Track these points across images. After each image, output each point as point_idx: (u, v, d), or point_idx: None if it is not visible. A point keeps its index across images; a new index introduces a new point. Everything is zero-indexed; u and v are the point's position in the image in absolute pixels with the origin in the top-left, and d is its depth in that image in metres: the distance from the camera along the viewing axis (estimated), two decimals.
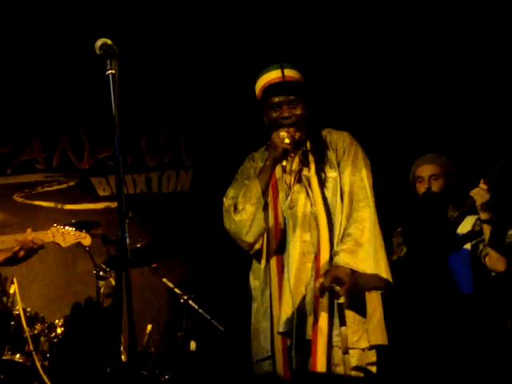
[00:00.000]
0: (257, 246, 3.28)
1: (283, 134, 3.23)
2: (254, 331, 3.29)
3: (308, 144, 3.37)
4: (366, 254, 3.12)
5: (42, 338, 3.94)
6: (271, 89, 3.32)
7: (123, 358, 3.62)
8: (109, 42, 2.42)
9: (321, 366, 3.05)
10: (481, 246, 3.98)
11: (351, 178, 3.28)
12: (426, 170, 4.14)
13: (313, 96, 3.39)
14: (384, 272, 3.14)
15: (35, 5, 5.12)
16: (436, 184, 4.09)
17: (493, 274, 3.96)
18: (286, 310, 3.14)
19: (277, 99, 3.30)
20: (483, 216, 3.89)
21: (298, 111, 3.31)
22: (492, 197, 3.86)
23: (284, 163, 3.26)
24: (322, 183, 3.27)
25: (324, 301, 3.10)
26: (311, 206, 3.25)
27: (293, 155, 3.34)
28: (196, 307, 4.47)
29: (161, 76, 5.49)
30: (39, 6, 5.12)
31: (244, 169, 3.50)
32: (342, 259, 3.10)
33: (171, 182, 5.68)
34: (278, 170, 3.34)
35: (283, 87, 3.30)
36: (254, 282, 3.33)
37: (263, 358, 3.22)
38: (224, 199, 3.40)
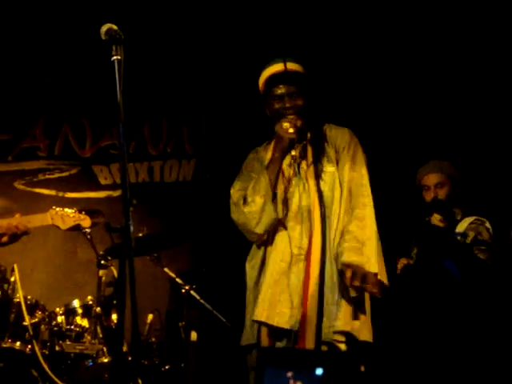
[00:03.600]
0: (265, 237, 3.35)
1: (286, 124, 3.31)
2: (246, 319, 3.37)
3: (308, 136, 3.42)
4: (370, 253, 3.16)
5: (43, 326, 3.91)
6: (273, 80, 3.40)
7: (124, 347, 3.60)
8: (114, 27, 2.39)
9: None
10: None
11: (351, 174, 3.32)
12: (430, 179, 4.25)
13: (315, 89, 3.45)
14: (383, 275, 3.18)
15: None
16: (441, 192, 4.22)
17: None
18: (262, 299, 3.22)
19: (279, 90, 3.38)
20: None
21: (300, 102, 3.37)
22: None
23: (293, 153, 3.33)
24: (319, 176, 3.29)
25: (315, 293, 3.13)
26: (306, 198, 3.29)
27: (296, 146, 3.38)
28: (197, 297, 4.45)
29: (164, 63, 5.46)
30: None
31: (248, 162, 3.56)
32: (351, 258, 3.14)
33: (173, 171, 5.66)
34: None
35: (285, 78, 3.38)
36: (251, 272, 3.40)
37: (249, 344, 3.32)
38: (231, 191, 3.45)
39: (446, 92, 5.16)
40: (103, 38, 2.39)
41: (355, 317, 3.20)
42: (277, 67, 3.43)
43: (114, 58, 2.36)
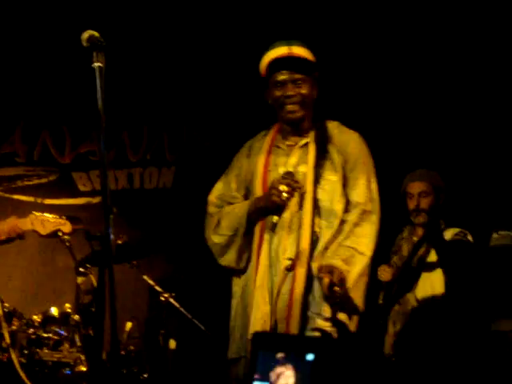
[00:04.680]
0: (235, 266, 3.17)
1: (283, 187, 2.96)
2: (231, 328, 3.19)
3: (311, 134, 3.12)
4: (355, 276, 2.95)
5: (20, 334, 3.88)
6: (276, 64, 3.07)
7: (103, 355, 3.58)
8: (96, 34, 2.38)
9: None
10: None
11: (364, 189, 3.05)
12: (415, 187, 4.25)
13: (322, 79, 3.15)
14: (359, 300, 3.00)
15: None
16: (425, 201, 4.22)
17: None
18: (256, 317, 3.01)
19: (281, 76, 3.06)
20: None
21: (304, 90, 3.07)
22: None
23: (275, 220, 2.96)
24: (318, 182, 3.03)
25: (297, 309, 2.96)
26: (300, 205, 3.02)
27: (293, 144, 3.13)
28: (177, 305, 4.43)
29: (145, 70, 5.45)
30: None
31: (236, 163, 3.27)
32: (342, 265, 2.92)
33: (153, 178, 5.64)
34: (273, 161, 3.14)
35: (289, 63, 3.06)
36: (236, 279, 3.20)
37: (238, 357, 3.10)
38: (209, 197, 3.25)
39: (439, 105, 5.18)
40: (84, 44, 2.37)
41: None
42: (280, 50, 3.08)
43: (95, 64, 2.34)
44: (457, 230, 4.18)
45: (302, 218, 3.00)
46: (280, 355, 2.26)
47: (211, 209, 3.22)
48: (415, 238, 4.28)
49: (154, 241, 5.07)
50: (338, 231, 3.02)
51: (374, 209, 3.05)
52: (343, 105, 4.86)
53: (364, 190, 3.05)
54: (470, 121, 4.98)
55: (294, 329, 2.94)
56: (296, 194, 3.01)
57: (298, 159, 3.10)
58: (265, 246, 3.04)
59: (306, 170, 3.05)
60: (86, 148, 5.52)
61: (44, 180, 5.46)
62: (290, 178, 2.99)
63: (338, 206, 3.04)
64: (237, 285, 3.21)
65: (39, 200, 5.38)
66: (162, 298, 4.45)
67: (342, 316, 3.00)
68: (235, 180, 3.23)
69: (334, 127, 3.16)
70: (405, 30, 5.07)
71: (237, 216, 3.10)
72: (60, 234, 3.98)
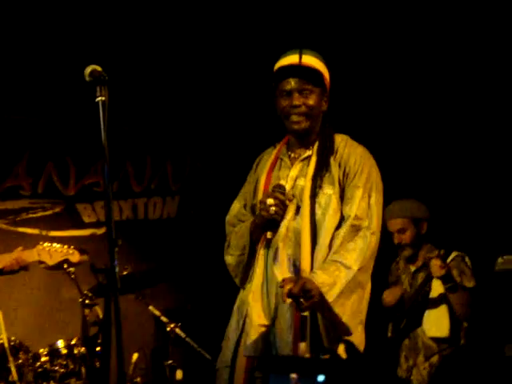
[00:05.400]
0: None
1: (270, 201, 2.87)
2: (223, 342, 3.08)
3: (315, 147, 3.02)
4: (339, 290, 2.79)
5: (27, 367, 3.87)
6: (284, 73, 2.97)
7: None
8: (98, 68, 2.40)
9: None
10: None
11: (361, 203, 2.90)
12: (392, 225, 4.26)
13: (331, 90, 3.04)
14: (345, 316, 2.81)
15: (23, 29, 5.10)
16: (404, 237, 4.25)
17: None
18: (250, 330, 2.91)
19: (288, 85, 2.95)
20: (444, 285, 4.03)
21: (311, 101, 2.95)
22: (448, 272, 3.98)
23: (269, 235, 2.88)
24: (315, 195, 2.91)
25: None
26: (297, 219, 2.91)
27: (297, 156, 3.04)
28: (183, 335, 4.42)
29: (147, 100, 5.48)
30: (27, 30, 5.10)
31: (248, 179, 3.19)
32: (318, 277, 2.77)
33: (157, 208, 5.65)
34: (276, 175, 3.04)
35: (297, 72, 2.95)
36: (239, 298, 3.08)
37: (223, 366, 3.02)
38: (226, 217, 3.17)
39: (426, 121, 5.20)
40: (87, 79, 2.39)
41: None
42: (291, 59, 2.97)
43: (99, 99, 2.36)
44: (455, 253, 4.17)
45: (300, 235, 2.88)
46: (293, 376, 2.25)
47: (227, 229, 3.15)
48: (412, 268, 4.29)
49: (159, 271, 5.07)
50: (330, 247, 2.88)
51: (371, 226, 2.88)
52: (354, 119, 4.82)
53: (360, 204, 2.90)
54: (476, 142, 4.99)
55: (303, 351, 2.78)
56: (293, 209, 2.92)
57: (298, 172, 3.01)
58: (260, 263, 2.94)
59: (304, 184, 2.95)
60: (90, 179, 5.53)
61: (49, 212, 5.46)
62: (277, 190, 2.90)
63: (331, 220, 2.90)
64: (238, 304, 3.09)
65: (44, 232, 5.38)
66: (168, 329, 4.45)
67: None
68: (245, 197, 3.15)
69: (341, 140, 3.04)
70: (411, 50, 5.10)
71: (242, 235, 3.02)
72: (65, 265, 3.99)
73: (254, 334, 2.89)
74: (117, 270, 2.27)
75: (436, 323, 4.10)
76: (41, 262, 3.86)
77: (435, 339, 4.10)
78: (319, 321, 2.86)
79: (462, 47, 4.97)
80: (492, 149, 4.91)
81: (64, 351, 4.01)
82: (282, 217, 2.90)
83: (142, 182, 5.65)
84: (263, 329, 2.89)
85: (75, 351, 4.00)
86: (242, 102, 5.38)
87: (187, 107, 5.53)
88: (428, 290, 4.14)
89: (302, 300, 2.72)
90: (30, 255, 3.81)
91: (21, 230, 5.38)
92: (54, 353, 4.00)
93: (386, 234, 4.30)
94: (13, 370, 3.78)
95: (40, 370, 3.92)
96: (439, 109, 5.14)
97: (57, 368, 3.95)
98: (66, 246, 3.92)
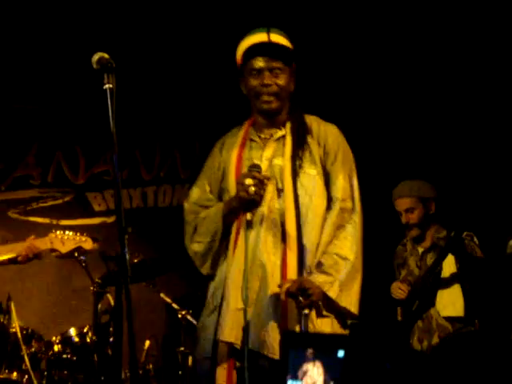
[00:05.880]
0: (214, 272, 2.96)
1: (249, 181, 2.78)
2: (198, 329, 2.99)
3: (288, 126, 2.94)
4: (340, 284, 2.78)
5: (39, 355, 3.89)
6: (253, 51, 2.89)
7: (122, 375, 3.58)
8: (106, 56, 2.40)
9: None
10: None
11: (344, 184, 2.87)
12: (400, 205, 4.25)
13: (301, 69, 2.97)
14: (352, 304, 2.82)
15: (31, 18, 5.10)
16: (412, 216, 4.22)
17: None
18: (228, 319, 2.77)
19: (258, 63, 2.86)
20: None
21: (281, 81, 2.87)
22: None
23: (249, 217, 2.79)
24: (296, 175, 2.84)
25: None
26: (279, 200, 2.83)
27: (268, 136, 2.95)
28: (194, 322, 4.43)
29: (155, 88, 5.48)
30: (35, 19, 5.10)
31: (209, 163, 3.07)
32: (318, 277, 2.76)
33: (167, 196, 5.66)
34: (247, 155, 2.93)
35: (267, 50, 2.87)
36: (212, 286, 2.96)
37: (203, 357, 2.87)
38: (184, 204, 3.06)
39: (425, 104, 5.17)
40: (95, 66, 2.39)
41: None
42: (258, 37, 2.90)
43: (106, 86, 2.36)
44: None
45: (284, 216, 2.81)
46: (310, 351, 2.25)
47: (188, 216, 3.03)
48: (420, 249, 4.27)
49: (169, 258, 5.07)
50: (321, 233, 2.84)
51: (355, 208, 2.87)
52: (321, 100, 4.77)
53: (344, 185, 2.88)
54: (486, 127, 4.96)
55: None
56: (272, 189, 2.85)
57: (273, 152, 2.92)
58: (240, 245, 2.82)
59: (282, 163, 2.87)
60: (99, 168, 5.55)
61: (59, 201, 5.48)
62: (255, 170, 2.81)
63: (318, 202, 2.86)
64: (210, 289, 2.98)
65: (55, 221, 5.40)
66: (180, 316, 4.46)
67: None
68: (209, 181, 3.03)
69: (312, 120, 2.99)
70: (384, 21, 5.06)
71: (213, 221, 2.92)
72: (76, 254, 3.99)
73: (230, 318, 2.77)
74: (127, 257, 2.27)
75: (450, 302, 4.09)
76: (53, 250, 3.85)
77: (450, 319, 4.08)
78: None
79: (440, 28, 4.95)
80: (499, 129, 4.89)
81: (76, 339, 4.03)
82: (261, 197, 2.81)
83: (152, 171, 5.66)
84: (241, 313, 2.76)
85: (87, 339, 4.02)
86: None
87: (195, 94, 5.52)
88: (439, 269, 4.12)
89: (300, 298, 2.72)
90: (43, 243, 3.81)
91: (32, 219, 5.41)
92: (66, 341, 4.03)
93: (392, 216, 4.32)
94: (26, 358, 3.79)
95: (53, 358, 3.94)
96: (441, 87, 5.11)
97: (69, 356, 3.97)
98: (78, 234, 3.92)
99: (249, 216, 2.80)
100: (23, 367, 3.81)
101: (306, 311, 2.73)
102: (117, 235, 2.31)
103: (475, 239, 4.12)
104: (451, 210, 4.43)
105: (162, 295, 4.54)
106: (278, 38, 2.91)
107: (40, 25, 5.13)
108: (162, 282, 4.64)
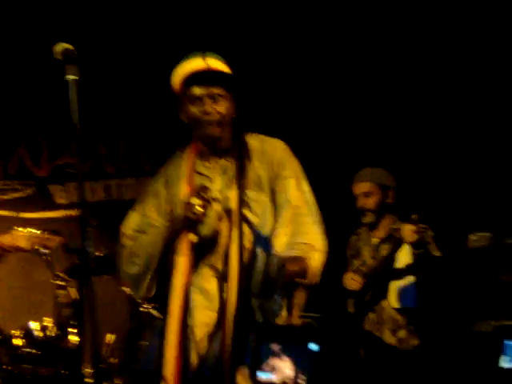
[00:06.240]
0: (150, 295, 2.97)
1: (196, 201, 2.75)
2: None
3: (231, 154, 2.91)
4: (315, 270, 2.76)
5: (0, 349, 3.85)
6: (192, 79, 2.83)
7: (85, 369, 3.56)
8: (69, 46, 2.37)
9: None
10: None
11: (295, 192, 2.86)
12: (358, 188, 4.25)
13: (240, 93, 2.93)
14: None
15: None
16: (369, 201, 4.20)
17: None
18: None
19: (198, 91, 2.82)
20: (414, 251, 3.97)
21: (222, 108, 2.83)
22: (421, 237, 3.92)
23: (193, 238, 2.78)
24: (247, 205, 2.82)
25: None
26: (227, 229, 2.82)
27: (214, 165, 2.92)
28: (159, 316, 4.42)
29: (120, 79, 5.44)
30: None
31: (153, 192, 3.02)
32: (300, 253, 2.75)
33: (130, 189, 5.63)
34: (196, 189, 2.84)
35: (206, 77, 2.83)
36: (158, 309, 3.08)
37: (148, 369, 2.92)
38: (122, 229, 3.03)
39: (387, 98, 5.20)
40: (57, 57, 2.37)
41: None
42: (195, 64, 2.86)
43: (68, 77, 2.34)
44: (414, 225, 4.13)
45: (230, 246, 2.79)
46: (276, 347, 2.25)
47: (125, 241, 3.00)
48: (375, 240, 4.27)
49: None
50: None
51: (310, 212, 2.88)
52: (263, 117, 4.75)
53: (294, 191, 2.87)
54: (434, 115, 5.00)
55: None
56: (214, 211, 2.82)
57: (221, 184, 2.89)
58: (181, 268, 2.81)
59: (228, 195, 2.84)
60: (62, 160, 5.50)
61: (20, 194, 5.42)
62: (203, 191, 2.78)
63: (271, 221, 2.87)
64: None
65: (16, 214, 5.34)
66: (143, 309, 4.44)
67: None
68: (154, 209, 2.98)
69: (254, 140, 2.95)
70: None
71: (151, 244, 2.90)
72: (41, 248, 3.94)
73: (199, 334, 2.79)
74: (90, 250, 2.25)
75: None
76: (17, 248, 3.80)
77: (402, 311, 4.06)
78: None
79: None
80: (464, 122, 4.94)
81: (37, 333, 3.99)
82: (205, 216, 2.78)
83: (115, 163, 5.62)
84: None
85: (48, 333, 3.98)
86: None
87: (160, 86, 5.48)
88: (392, 260, 4.12)
89: (298, 279, 2.73)
90: (6, 240, 3.75)
91: None
92: (27, 334, 3.99)
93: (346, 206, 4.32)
94: None
95: (13, 352, 3.90)
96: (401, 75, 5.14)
97: (30, 350, 3.93)
98: (45, 232, 3.87)
99: (192, 237, 2.79)
100: None
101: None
102: (79, 228, 2.29)
103: (429, 232, 4.12)
104: (411, 202, 4.45)
105: (125, 289, 4.51)
106: (215, 64, 2.88)
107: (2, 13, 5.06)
108: None
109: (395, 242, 4.07)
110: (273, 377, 2.26)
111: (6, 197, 5.40)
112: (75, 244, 3.70)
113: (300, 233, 2.82)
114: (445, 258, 4.02)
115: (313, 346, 2.21)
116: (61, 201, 5.49)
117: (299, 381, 2.23)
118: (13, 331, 3.99)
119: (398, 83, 5.13)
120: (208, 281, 2.84)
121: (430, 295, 4.04)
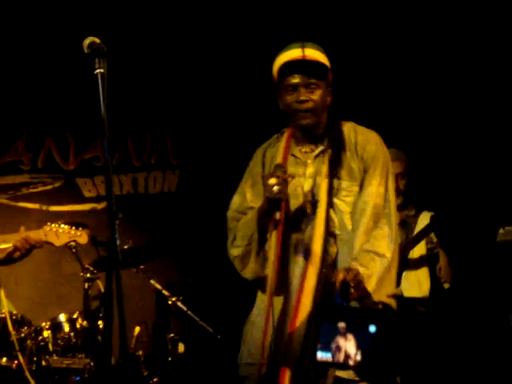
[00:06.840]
0: (263, 274, 2.94)
1: (272, 181, 2.78)
2: (244, 334, 3.00)
3: (326, 142, 2.96)
4: (377, 279, 2.81)
5: (29, 341, 3.88)
6: (288, 68, 2.90)
7: (112, 360, 3.58)
8: (97, 40, 2.37)
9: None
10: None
11: (379, 189, 2.90)
12: (394, 167, 3.90)
13: (337, 83, 2.98)
14: (381, 301, 2.85)
15: (20, 3, 5.06)
16: (402, 182, 3.95)
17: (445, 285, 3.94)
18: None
19: (293, 80, 2.88)
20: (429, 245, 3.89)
21: (317, 96, 2.88)
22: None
23: (277, 216, 2.77)
24: (336, 194, 2.88)
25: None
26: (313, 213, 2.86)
27: (309, 151, 2.98)
28: (184, 309, 4.44)
29: (147, 75, 5.46)
30: (24, 4, 5.06)
31: (251, 173, 3.09)
32: (361, 270, 2.78)
33: (158, 182, 5.65)
34: (291, 172, 2.91)
35: (302, 67, 2.89)
36: (262, 288, 2.96)
37: (249, 363, 2.90)
38: (227, 213, 3.07)
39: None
40: (86, 51, 2.37)
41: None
42: (293, 53, 2.91)
43: (97, 71, 2.34)
44: (427, 213, 3.95)
45: (314, 231, 2.84)
46: (342, 325, 2.27)
47: (230, 224, 3.06)
48: None
49: (160, 245, 5.07)
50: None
51: (390, 210, 2.91)
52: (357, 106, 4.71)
53: (377, 190, 2.90)
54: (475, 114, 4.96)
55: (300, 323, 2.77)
56: (300, 191, 2.90)
57: (314, 170, 2.94)
58: (272, 246, 2.85)
59: (320, 183, 2.89)
60: (90, 154, 5.53)
61: (49, 187, 5.46)
62: (278, 169, 2.83)
63: (360, 216, 2.89)
64: (259, 295, 3.01)
65: (44, 207, 5.38)
66: (170, 302, 4.46)
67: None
68: (251, 190, 3.05)
69: (349, 129, 3.00)
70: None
71: (248, 225, 2.96)
72: (73, 244, 3.95)
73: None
74: (118, 242, 2.26)
75: (416, 284, 3.91)
76: (47, 243, 3.82)
77: (414, 300, 3.95)
78: None
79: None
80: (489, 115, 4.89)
81: (66, 325, 4.02)
82: (286, 194, 2.81)
83: (142, 157, 5.64)
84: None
85: (77, 325, 4.01)
86: (241, 78, 5.35)
87: (188, 80, 5.50)
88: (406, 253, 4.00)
89: (352, 290, 2.71)
90: (37, 235, 3.76)
91: (21, 204, 5.38)
92: (55, 327, 4.02)
93: None
94: (15, 343, 3.78)
95: (42, 343, 3.93)
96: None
97: (59, 342, 3.96)
98: (73, 228, 3.87)
99: (278, 215, 2.78)
100: (13, 353, 3.80)
101: (354, 303, 2.73)
102: (107, 221, 2.30)
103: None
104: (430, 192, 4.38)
105: (152, 282, 4.54)
106: (312, 54, 2.92)
107: (29, 9, 5.09)
108: (152, 268, 4.64)
109: (408, 228, 3.97)
110: (332, 356, 2.27)
111: (34, 190, 5.44)
112: (103, 237, 3.77)
113: (372, 237, 2.85)
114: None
115: (371, 328, 2.23)
116: (89, 194, 5.52)
117: (358, 358, 2.25)
118: (41, 323, 4.03)
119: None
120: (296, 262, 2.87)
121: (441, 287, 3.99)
